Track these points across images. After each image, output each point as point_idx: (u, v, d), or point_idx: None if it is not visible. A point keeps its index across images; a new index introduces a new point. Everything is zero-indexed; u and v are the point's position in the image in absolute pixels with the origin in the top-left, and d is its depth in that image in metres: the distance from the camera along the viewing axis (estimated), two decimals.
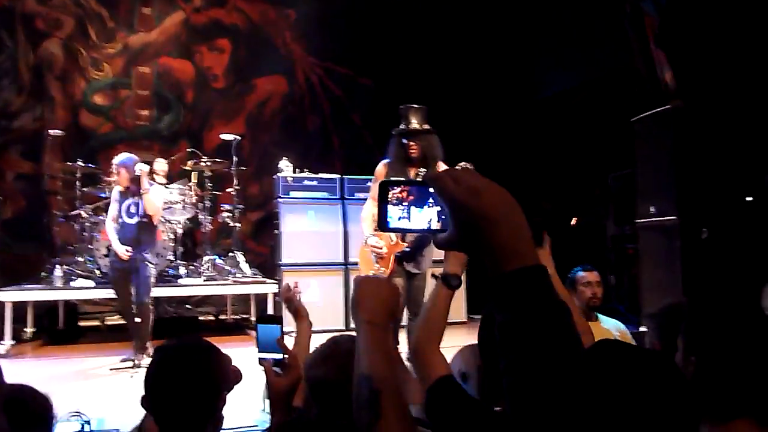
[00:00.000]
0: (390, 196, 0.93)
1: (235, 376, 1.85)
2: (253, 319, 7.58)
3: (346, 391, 1.38)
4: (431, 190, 0.88)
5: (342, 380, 1.55)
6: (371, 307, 1.33)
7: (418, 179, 0.92)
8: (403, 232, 1.04)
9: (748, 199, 5.17)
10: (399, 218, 0.93)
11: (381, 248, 4.45)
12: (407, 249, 4.45)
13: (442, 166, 4.57)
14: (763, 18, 4.81)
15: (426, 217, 0.91)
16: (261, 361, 1.83)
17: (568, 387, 0.74)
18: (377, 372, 1.25)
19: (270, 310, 6.91)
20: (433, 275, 1.95)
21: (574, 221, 7.77)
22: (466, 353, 4.20)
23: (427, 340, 1.72)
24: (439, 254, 5.89)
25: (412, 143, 4.49)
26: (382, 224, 0.94)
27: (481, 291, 7.84)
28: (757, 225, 4.95)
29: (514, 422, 0.76)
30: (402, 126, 4.59)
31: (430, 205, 0.91)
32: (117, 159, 5.50)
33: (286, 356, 1.83)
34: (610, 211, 7.36)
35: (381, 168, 4.69)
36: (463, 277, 5.96)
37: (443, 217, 0.89)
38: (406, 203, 0.92)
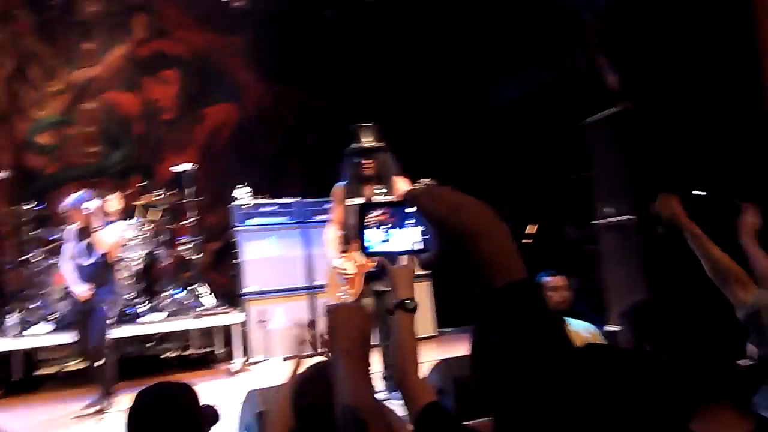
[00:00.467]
0: (368, 219, 0.90)
1: (213, 417, 1.83)
2: (218, 351, 7.41)
3: (333, 416, 1.36)
4: (410, 210, 0.86)
5: (330, 405, 1.54)
6: (346, 335, 1.33)
7: (396, 200, 0.90)
8: (386, 255, 1.02)
9: (698, 193, 5.30)
10: (382, 241, 0.90)
11: (347, 270, 4.42)
12: (375, 268, 4.42)
13: (400, 182, 4.57)
14: (700, 13, 4.97)
15: (408, 238, 0.89)
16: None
17: (572, 399, 0.73)
18: (362, 402, 1.25)
19: (236, 342, 6.76)
20: (387, 310, 1.93)
21: (532, 229, 7.85)
22: (441, 368, 4.18)
23: (406, 370, 1.70)
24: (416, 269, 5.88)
25: (365, 162, 4.48)
26: (363, 249, 0.91)
27: (451, 304, 7.86)
28: (709, 217, 5.07)
29: None
30: (354, 145, 4.58)
31: (411, 225, 0.89)
32: (68, 200, 5.33)
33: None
34: (567, 214, 7.47)
35: (338, 190, 4.68)
36: (428, 293, 6.04)
37: (426, 236, 0.86)
38: (386, 225, 0.90)
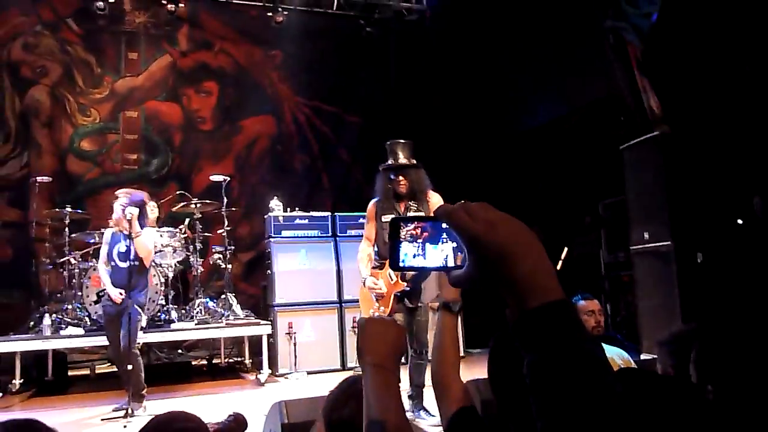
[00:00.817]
0: (403, 233, 0.89)
1: (241, 425, 1.84)
2: (247, 362, 7.44)
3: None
4: (445, 225, 0.84)
5: (360, 421, 1.53)
6: (378, 350, 1.32)
7: (431, 215, 0.88)
8: (418, 271, 1.02)
9: (739, 221, 5.19)
10: (414, 255, 0.89)
11: (380, 288, 4.41)
12: (407, 288, 4.41)
13: (434, 197, 4.56)
14: (744, 41, 4.90)
15: (441, 254, 0.87)
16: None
17: (610, 425, 0.70)
18: (390, 417, 1.23)
19: (265, 354, 6.78)
20: (431, 308, 1.92)
21: (564, 254, 7.76)
22: (469, 389, 4.12)
23: (445, 371, 1.69)
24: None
25: (400, 178, 4.49)
26: (395, 263, 0.89)
27: (478, 325, 7.79)
28: (750, 247, 4.96)
29: None
30: (389, 162, 4.58)
31: (445, 240, 0.87)
32: (122, 198, 5.41)
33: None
34: (602, 239, 7.37)
35: (371, 207, 4.68)
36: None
37: (459, 252, 0.84)
38: (420, 240, 0.88)
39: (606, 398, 0.71)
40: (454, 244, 0.86)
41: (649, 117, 5.67)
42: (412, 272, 4.33)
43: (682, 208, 5.22)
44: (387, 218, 4.51)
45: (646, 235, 5.57)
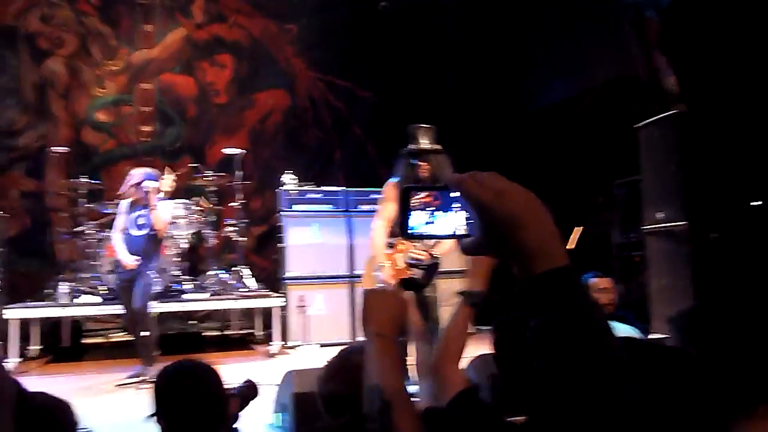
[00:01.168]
0: (414, 202, 0.90)
1: (253, 390, 1.89)
2: (258, 333, 7.53)
3: (359, 404, 1.38)
4: (456, 194, 0.86)
5: (354, 394, 1.56)
6: (379, 319, 1.37)
7: (440, 184, 0.90)
8: (428, 238, 1.03)
9: (755, 203, 5.14)
10: (426, 223, 0.90)
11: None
12: (414, 276, 4.39)
13: None
14: (764, 18, 4.81)
15: (452, 222, 0.89)
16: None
17: (612, 387, 0.72)
18: (387, 383, 1.27)
19: (276, 325, 6.86)
20: (457, 291, 1.92)
21: (577, 233, 7.73)
22: (477, 364, 4.17)
23: (446, 359, 1.70)
24: (449, 264, 5.86)
25: (421, 163, 4.44)
26: (404, 230, 0.91)
27: (489, 302, 7.81)
28: (766, 228, 4.92)
29: (551, 427, 0.74)
30: (411, 146, 4.54)
31: (456, 209, 0.88)
32: (135, 174, 5.50)
33: None
34: (615, 219, 7.33)
35: (390, 188, 4.63)
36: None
37: (470, 221, 0.86)
38: (431, 208, 0.90)
39: (608, 360, 0.74)
40: (466, 213, 0.87)
41: (666, 95, 5.60)
42: (423, 264, 4.32)
43: (698, 188, 5.17)
44: None
45: (660, 215, 5.53)
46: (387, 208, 4.62)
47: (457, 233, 0.88)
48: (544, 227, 0.78)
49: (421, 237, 0.91)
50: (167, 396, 1.83)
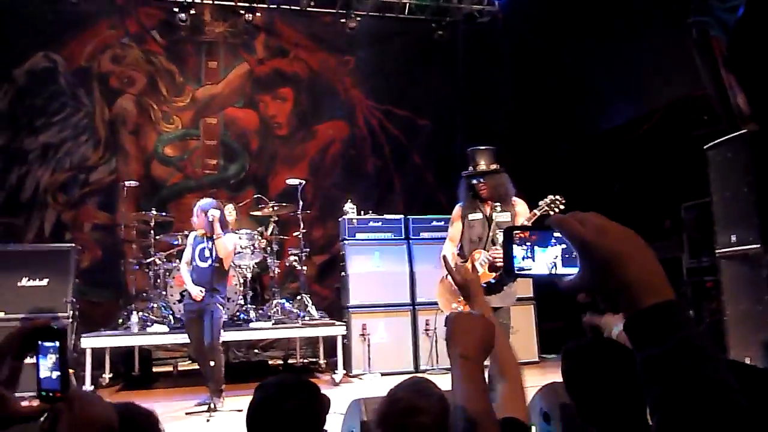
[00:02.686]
0: (514, 237, 0.94)
1: (328, 404, 1.88)
2: (322, 362, 7.58)
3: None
4: (555, 234, 0.89)
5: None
6: (465, 341, 1.38)
7: (543, 224, 0.93)
8: (527, 277, 1.07)
9: None
10: (523, 258, 0.94)
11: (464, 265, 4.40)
12: (493, 280, 4.40)
13: (519, 204, 4.57)
14: None
15: (550, 258, 0.92)
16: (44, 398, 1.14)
17: (726, 423, 0.72)
18: (472, 404, 1.29)
19: (339, 354, 6.89)
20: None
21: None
22: (547, 392, 4.07)
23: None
24: (523, 291, 5.77)
25: (481, 184, 4.53)
26: (509, 269, 0.94)
27: (552, 331, 7.66)
28: None
29: None
30: (470, 168, 4.64)
31: (553, 245, 0.92)
32: (200, 204, 5.68)
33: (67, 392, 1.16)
34: (684, 243, 7.10)
35: (457, 210, 4.78)
36: (532, 317, 5.95)
37: (567, 256, 0.90)
38: (529, 243, 0.93)
39: (721, 390, 0.74)
40: (564, 246, 0.90)
41: (736, 115, 5.43)
42: (501, 266, 4.32)
43: None
44: (474, 217, 4.56)
45: (734, 238, 5.33)
46: (452, 228, 4.73)
47: (556, 272, 0.91)
48: (647, 262, 0.81)
49: (523, 275, 0.94)
50: (264, 417, 1.81)
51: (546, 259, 0.92)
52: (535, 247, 0.93)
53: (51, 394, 1.10)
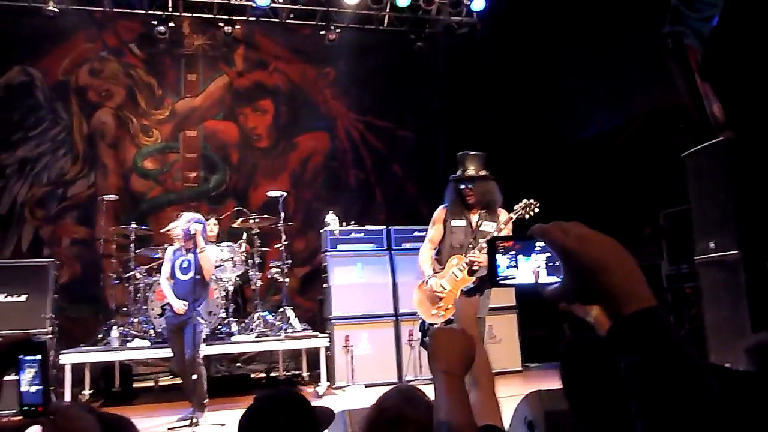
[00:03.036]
0: (498, 249, 0.95)
1: (329, 417, 1.87)
2: (305, 375, 7.53)
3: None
4: (538, 243, 0.91)
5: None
6: (447, 357, 1.40)
7: (526, 234, 0.95)
8: (511, 287, 1.09)
9: None
10: (507, 267, 0.95)
11: (441, 291, 4.43)
12: (472, 285, 4.42)
13: (502, 213, 4.58)
14: None
15: (532, 267, 0.93)
16: (26, 412, 1.13)
17: (711, 421, 0.73)
18: (455, 419, 1.30)
19: (323, 366, 6.86)
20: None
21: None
22: (531, 400, 4.07)
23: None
24: (498, 301, 5.79)
25: (468, 189, 4.53)
26: (493, 279, 0.96)
27: (536, 339, 7.68)
28: None
29: None
30: (459, 172, 4.63)
31: (537, 253, 0.93)
32: (181, 219, 5.63)
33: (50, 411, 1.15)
34: (663, 251, 7.18)
35: (440, 211, 4.75)
36: (514, 326, 5.97)
37: (550, 265, 0.91)
38: (512, 252, 0.94)
39: (704, 395, 0.75)
40: (547, 255, 0.92)
41: (712, 123, 5.52)
42: (481, 270, 4.33)
43: (750, 215, 5.05)
44: (457, 223, 4.57)
45: (712, 245, 5.40)
46: (433, 230, 4.72)
47: (540, 281, 0.92)
48: (629, 270, 0.82)
49: (505, 284, 0.95)
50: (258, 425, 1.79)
51: (529, 268, 0.93)
52: (519, 257, 0.94)
53: (33, 409, 1.09)
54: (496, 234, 4.36)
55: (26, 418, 1.07)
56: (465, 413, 1.33)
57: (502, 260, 0.94)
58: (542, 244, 0.89)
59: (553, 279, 0.89)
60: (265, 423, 1.76)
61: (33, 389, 1.11)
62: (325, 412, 1.88)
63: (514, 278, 0.94)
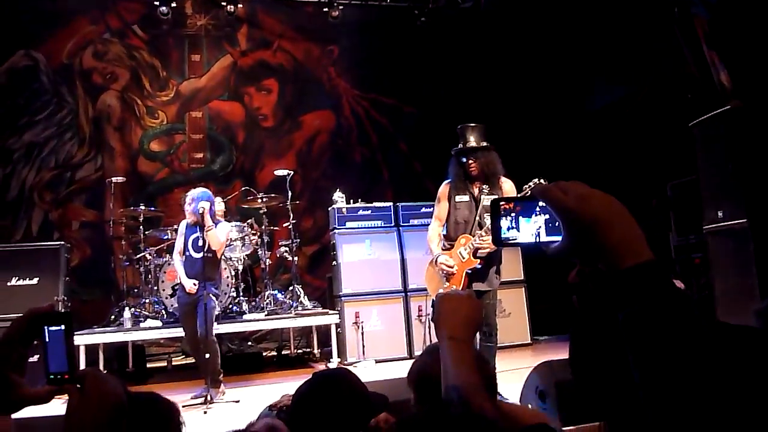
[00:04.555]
0: (500, 209, 0.96)
1: (385, 403, 1.93)
2: (316, 352, 7.60)
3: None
4: (540, 204, 0.92)
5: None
6: (452, 323, 1.41)
7: (526, 195, 0.95)
8: (513, 246, 1.10)
9: None
10: (508, 228, 0.96)
11: (451, 267, 4.44)
12: (479, 266, 4.43)
13: (505, 183, 4.57)
14: None
15: (534, 227, 0.95)
16: (52, 380, 1.16)
17: (704, 373, 0.74)
18: (464, 382, 1.32)
19: (333, 342, 6.92)
20: None
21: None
22: (542, 371, 4.11)
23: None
24: (507, 275, 5.81)
25: (470, 161, 4.51)
26: (497, 238, 0.97)
27: (545, 312, 7.72)
28: None
29: (650, 413, 0.77)
30: (460, 145, 4.61)
31: (537, 214, 0.94)
32: (191, 194, 5.64)
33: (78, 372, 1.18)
34: (671, 222, 7.16)
35: (444, 187, 4.73)
36: (523, 300, 5.97)
37: (550, 225, 0.92)
38: (514, 214, 0.96)
39: (700, 346, 0.76)
40: (546, 217, 0.93)
41: (719, 91, 5.48)
42: (485, 251, 4.35)
43: (757, 184, 5.03)
44: (460, 198, 4.56)
45: (720, 214, 5.39)
46: (439, 207, 4.71)
47: (540, 240, 0.94)
48: (627, 226, 0.83)
49: (509, 244, 0.96)
50: (314, 402, 1.86)
51: (531, 229, 0.94)
52: (520, 218, 0.95)
53: (60, 377, 1.12)
54: None
55: (53, 386, 1.10)
56: (473, 375, 1.34)
57: (503, 222, 0.95)
58: (543, 205, 0.91)
59: (554, 238, 0.90)
60: (321, 401, 1.83)
61: (60, 358, 1.14)
62: (379, 395, 1.95)
63: (515, 239, 0.96)
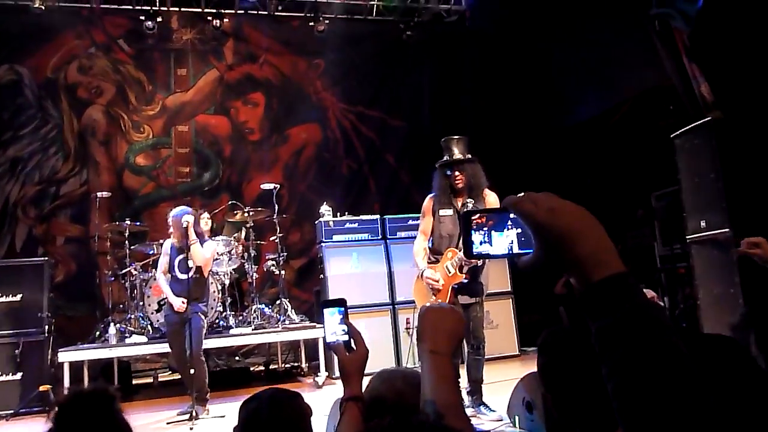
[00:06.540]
0: (473, 224, 0.96)
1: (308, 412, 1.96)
2: (304, 366, 7.57)
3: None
4: (511, 215, 0.92)
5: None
6: (435, 336, 1.40)
7: (497, 207, 0.96)
8: (486, 258, 1.11)
9: None
10: (480, 243, 0.96)
11: (437, 281, 4.45)
12: (465, 280, 4.44)
13: (490, 195, 4.60)
14: None
15: (506, 241, 0.94)
16: (330, 345, 1.82)
17: (678, 384, 0.75)
18: (441, 397, 1.31)
19: (321, 356, 6.90)
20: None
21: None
22: (529, 382, 4.12)
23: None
24: (494, 286, 5.84)
25: (456, 173, 4.54)
26: (469, 251, 0.96)
27: (533, 323, 7.73)
28: None
29: (623, 425, 0.77)
30: (445, 158, 4.64)
31: (510, 227, 0.94)
32: (172, 212, 5.63)
33: (353, 336, 1.83)
34: (656, 232, 7.22)
35: (428, 201, 4.74)
36: (511, 311, 6.00)
37: (523, 238, 0.92)
38: (486, 228, 0.95)
39: (672, 356, 0.76)
40: (519, 231, 0.92)
41: (700, 103, 5.55)
42: (470, 265, 4.37)
43: (739, 193, 5.09)
44: (444, 213, 4.58)
45: (703, 224, 5.44)
46: (423, 222, 4.73)
47: (513, 251, 0.93)
48: (598, 238, 0.83)
49: (481, 256, 0.96)
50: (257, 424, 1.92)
51: (503, 243, 0.94)
52: (493, 232, 0.95)
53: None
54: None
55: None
56: (451, 392, 1.34)
57: (476, 236, 0.95)
58: (515, 216, 0.90)
59: (528, 251, 0.90)
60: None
61: (340, 331, 1.73)
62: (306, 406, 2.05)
63: (488, 253, 0.96)
